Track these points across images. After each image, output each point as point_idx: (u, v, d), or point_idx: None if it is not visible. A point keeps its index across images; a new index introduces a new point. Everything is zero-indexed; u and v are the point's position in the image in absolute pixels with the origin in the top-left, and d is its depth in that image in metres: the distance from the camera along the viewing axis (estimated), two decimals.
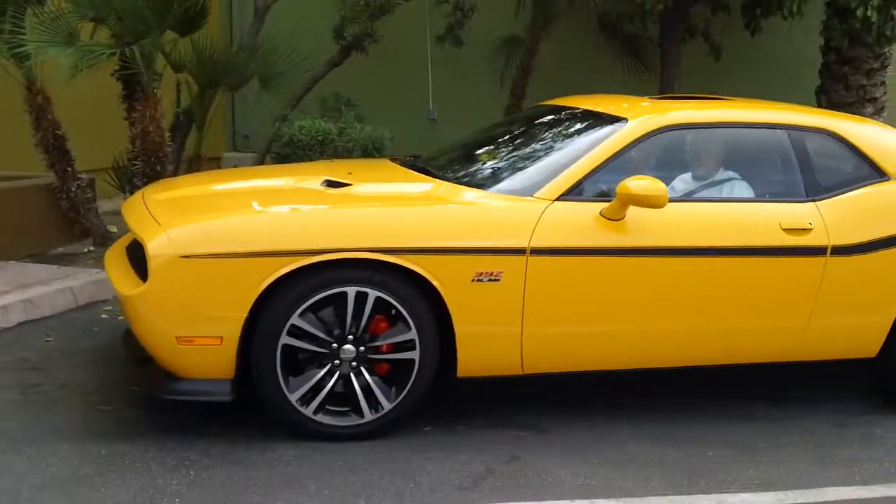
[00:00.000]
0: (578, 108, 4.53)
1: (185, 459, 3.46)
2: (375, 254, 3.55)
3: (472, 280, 3.68)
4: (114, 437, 3.61)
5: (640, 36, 9.21)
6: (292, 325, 3.55)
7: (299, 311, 3.54)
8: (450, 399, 3.97)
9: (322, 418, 3.65)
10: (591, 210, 3.84)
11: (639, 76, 9.21)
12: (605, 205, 3.84)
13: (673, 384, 4.39)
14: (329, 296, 3.56)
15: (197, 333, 3.49)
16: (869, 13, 6.51)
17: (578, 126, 4.36)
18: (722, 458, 3.80)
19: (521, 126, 4.86)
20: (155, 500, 3.14)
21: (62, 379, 4.22)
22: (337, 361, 3.64)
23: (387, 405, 3.69)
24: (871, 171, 4.37)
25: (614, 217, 3.83)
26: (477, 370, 3.83)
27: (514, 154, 4.41)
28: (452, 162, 4.51)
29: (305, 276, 3.51)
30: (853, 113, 7.63)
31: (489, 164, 4.36)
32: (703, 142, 4.27)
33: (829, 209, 4.18)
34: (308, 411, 3.62)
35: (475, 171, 4.32)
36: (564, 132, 4.41)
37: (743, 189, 4.28)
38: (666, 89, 8.48)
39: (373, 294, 3.59)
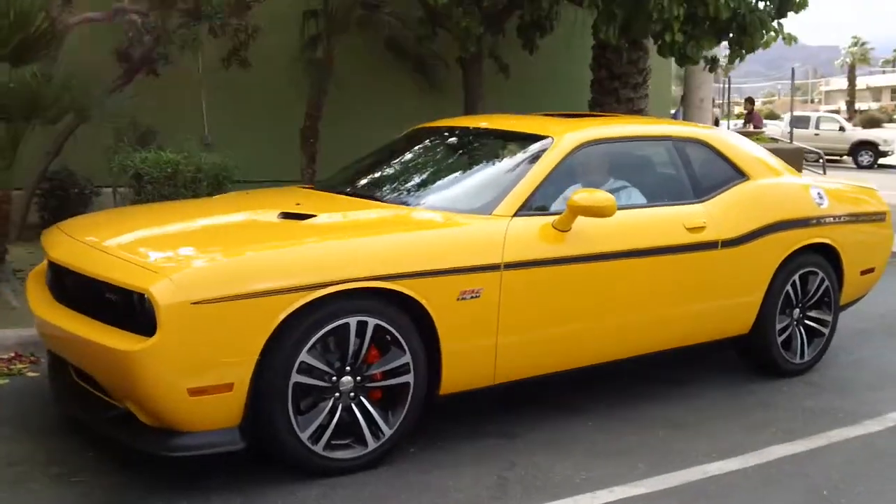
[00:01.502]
0: (498, 129, 4.82)
1: None
2: (377, 282, 3.59)
3: (458, 299, 3.83)
4: None
5: (428, 56, 9.62)
6: (301, 363, 3.48)
7: (307, 346, 3.48)
8: (428, 418, 4.06)
9: (330, 454, 3.61)
10: (544, 223, 4.14)
11: (431, 95, 9.65)
12: (556, 217, 4.16)
13: (589, 379, 4.75)
14: (331, 329, 3.54)
15: (209, 383, 3.31)
16: (677, 37, 7.43)
17: (508, 145, 4.64)
18: (672, 436, 4.27)
19: (440, 147, 5.02)
20: None
21: (6, 456, 3.74)
22: (337, 394, 3.62)
23: (387, 431, 3.73)
24: (735, 173, 5.09)
25: (564, 228, 4.15)
26: (458, 386, 3.97)
27: (451, 175, 4.60)
28: (385, 185, 4.61)
29: (311, 310, 3.46)
30: None
31: (433, 185, 4.51)
32: (613, 154, 4.73)
33: (713, 208, 4.82)
34: (318, 448, 3.56)
35: (422, 193, 4.43)
36: (496, 151, 4.66)
37: (635, 195, 4.80)
38: (471, 107, 8.99)
39: (372, 322, 3.62)
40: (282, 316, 3.39)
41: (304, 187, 4.97)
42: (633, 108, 9.07)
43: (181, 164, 6.07)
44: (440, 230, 3.96)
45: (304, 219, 3.95)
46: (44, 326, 3.84)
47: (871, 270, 5.77)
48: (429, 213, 4.13)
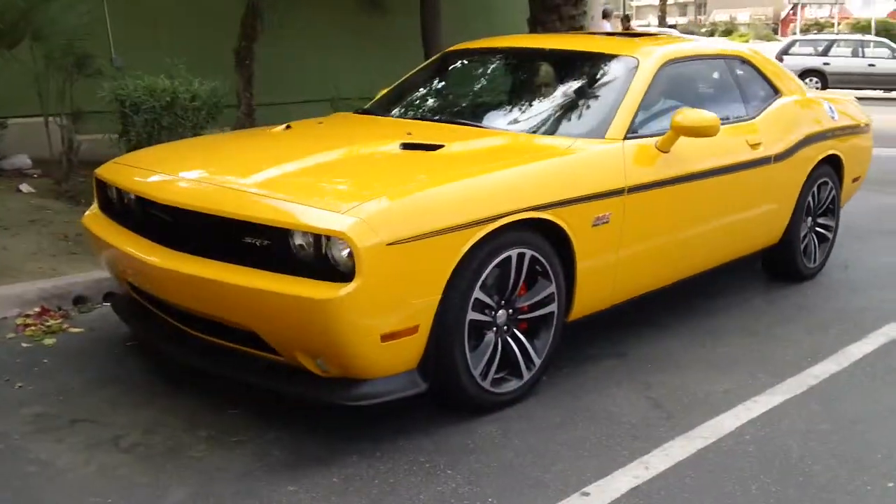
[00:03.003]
0: (575, 50, 4.71)
1: (416, 462, 3.15)
2: (534, 212, 3.50)
3: (592, 225, 3.80)
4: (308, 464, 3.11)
5: None
6: (475, 299, 3.37)
7: (480, 282, 3.36)
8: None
9: (496, 388, 3.54)
10: (648, 144, 4.15)
11: (375, 13, 9.29)
12: (658, 139, 4.17)
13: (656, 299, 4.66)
14: (498, 262, 3.43)
15: (400, 326, 3.14)
16: None
17: (590, 67, 4.55)
18: (759, 343, 4.46)
19: (517, 69, 4.85)
20: None
21: (134, 424, 3.39)
22: (495, 329, 3.53)
23: (537, 361, 3.69)
24: (772, 90, 5.27)
25: (666, 149, 4.18)
26: (584, 311, 3.97)
27: (547, 98, 4.48)
28: (481, 111, 4.44)
29: (483, 245, 3.34)
30: None
31: (535, 110, 4.37)
32: (684, 74, 4.76)
33: (763, 125, 4.99)
34: (486, 384, 3.49)
35: (527, 118, 4.29)
36: (580, 73, 4.56)
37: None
38: (430, 32, 8.74)
39: (528, 254, 3.54)
40: (463, 252, 3.25)
41: (356, 113, 4.70)
42: (575, 26, 9.08)
43: (179, 91, 5.54)
44: (573, 156, 3.86)
45: (433, 149, 3.75)
46: (157, 277, 3.47)
47: (857, 178, 6.19)
48: (550, 139, 4.02)
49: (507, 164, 3.64)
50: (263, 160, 3.81)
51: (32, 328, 4.37)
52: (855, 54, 21.67)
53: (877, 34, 29.04)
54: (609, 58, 4.53)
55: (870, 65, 20.92)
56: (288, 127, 4.44)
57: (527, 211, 3.46)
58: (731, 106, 4.93)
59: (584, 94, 4.41)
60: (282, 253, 3.17)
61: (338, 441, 3.27)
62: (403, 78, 5.19)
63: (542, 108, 4.38)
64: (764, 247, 5.26)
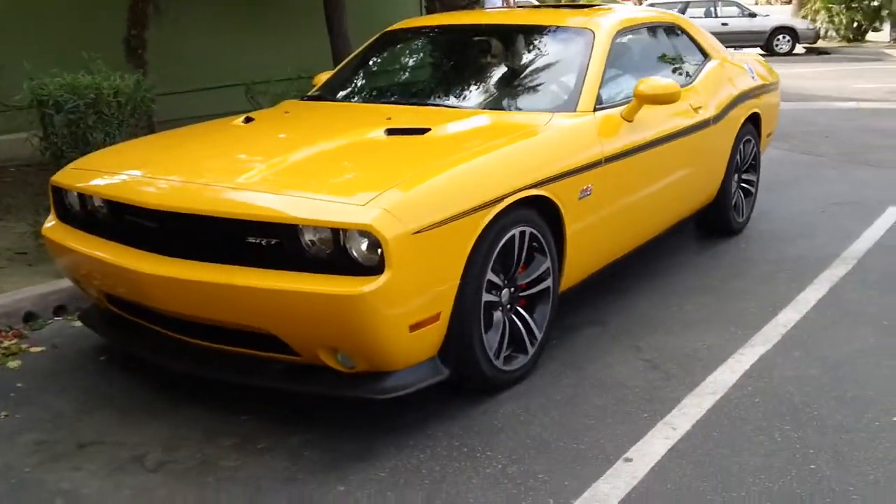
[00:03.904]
0: (528, 24, 4.74)
1: (452, 447, 3.15)
2: (532, 189, 3.54)
3: (578, 198, 3.87)
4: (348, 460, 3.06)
5: None
6: (488, 281, 3.38)
7: (490, 263, 3.38)
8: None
9: (507, 366, 3.57)
10: (613, 114, 4.24)
11: None
12: (622, 108, 4.28)
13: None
14: (503, 242, 3.45)
15: (425, 315, 3.12)
16: None
17: (546, 40, 4.60)
18: (718, 301, 4.68)
19: (473, 46, 4.82)
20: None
21: (148, 441, 3.23)
22: (501, 308, 3.56)
23: (539, 336, 3.75)
24: (701, 55, 5.49)
25: (631, 118, 4.29)
26: (570, 283, 4.05)
27: (511, 74, 4.49)
28: (448, 91, 4.41)
29: (492, 227, 3.35)
30: None
31: (502, 87, 4.38)
32: (631, 42, 4.88)
33: (700, 89, 5.19)
34: (499, 363, 3.52)
35: (497, 95, 4.31)
36: (537, 47, 4.60)
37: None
38: (334, 13, 8.57)
39: (528, 231, 3.58)
40: (477, 234, 3.26)
41: (306, 100, 4.61)
42: (474, 4, 9.10)
43: (102, 87, 5.23)
44: (554, 131, 3.90)
45: (420, 133, 3.71)
46: (148, 286, 3.29)
47: (770, 134, 6.54)
48: (527, 115, 4.05)
49: (502, 144, 3.65)
50: (247, 156, 3.67)
51: None
52: (708, 14, 22.69)
53: None
54: (564, 30, 4.61)
55: (723, 24, 21.96)
56: (248, 119, 4.28)
57: (527, 189, 3.50)
58: (674, 71, 5.09)
59: (546, 68, 4.47)
60: (291, 250, 3.08)
61: (367, 436, 3.23)
62: (346, 60, 5.09)
63: (510, 84, 4.41)
64: (702, 205, 5.49)
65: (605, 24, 4.58)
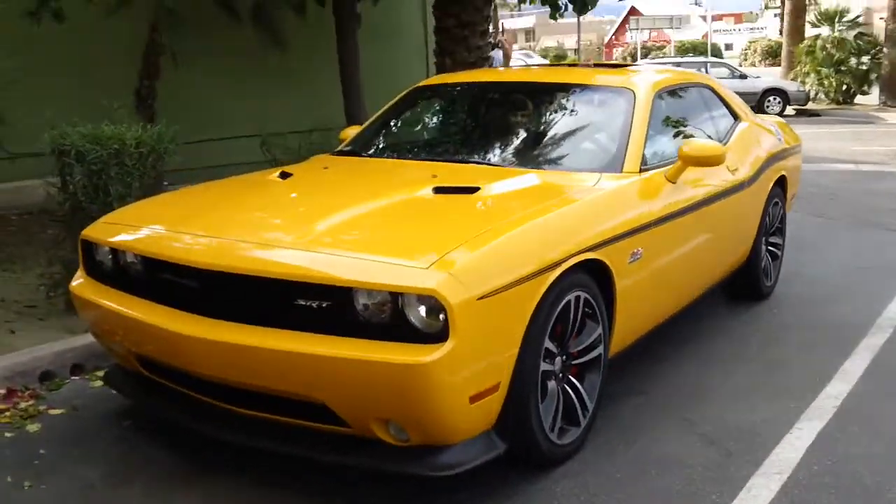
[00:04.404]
0: (571, 83, 4.66)
1: None
2: (588, 253, 3.40)
3: (629, 262, 3.74)
4: None
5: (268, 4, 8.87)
6: (545, 349, 3.22)
7: (548, 330, 3.23)
8: None
9: (560, 440, 3.39)
10: (657, 175, 4.14)
11: (275, 53, 8.98)
12: (666, 169, 4.18)
13: None
14: (560, 308, 3.30)
15: (485, 385, 2.95)
16: None
17: (585, 99, 4.52)
18: (766, 368, 4.54)
19: (508, 104, 4.71)
20: None
21: None
22: (555, 378, 3.40)
23: (591, 406, 3.59)
24: (732, 116, 5.43)
25: (675, 179, 4.19)
26: (617, 349, 3.89)
27: (552, 133, 4.40)
28: (488, 149, 4.29)
29: (551, 291, 3.20)
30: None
31: (545, 146, 4.28)
32: (669, 103, 4.80)
33: (733, 150, 5.10)
34: (554, 437, 3.34)
35: (540, 155, 4.20)
36: (576, 106, 4.51)
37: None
38: (348, 56, 8.51)
39: (582, 296, 3.43)
40: (537, 299, 3.11)
41: (337, 155, 4.52)
42: (482, 56, 9.12)
43: (126, 138, 5.08)
44: (605, 193, 3.78)
45: (471, 192, 3.58)
46: (192, 350, 3.11)
47: (794, 195, 6.48)
48: (575, 175, 3.93)
49: (556, 205, 3.52)
50: (291, 213, 3.53)
51: (6, 414, 3.85)
52: None
53: (702, 54, 30.95)
54: (604, 90, 4.52)
55: None
56: (285, 175, 4.13)
57: (584, 252, 3.37)
58: (707, 132, 5.02)
59: (589, 127, 4.37)
60: (343, 314, 2.92)
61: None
62: (376, 115, 4.98)
63: (552, 143, 4.30)
64: (734, 268, 5.38)
65: (644, 83, 4.51)
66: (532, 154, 4.23)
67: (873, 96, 21.49)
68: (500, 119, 4.64)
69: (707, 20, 45.04)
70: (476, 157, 4.28)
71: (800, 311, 5.55)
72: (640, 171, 4.05)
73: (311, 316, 2.96)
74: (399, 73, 10.30)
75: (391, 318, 2.87)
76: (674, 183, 4.17)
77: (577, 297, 3.39)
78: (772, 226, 5.80)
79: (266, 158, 6.87)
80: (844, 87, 21.68)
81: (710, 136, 4.98)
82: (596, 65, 5.23)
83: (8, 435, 3.64)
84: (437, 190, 3.61)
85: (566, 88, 4.65)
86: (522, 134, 4.48)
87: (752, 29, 56.23)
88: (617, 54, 50.74)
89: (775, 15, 49.57)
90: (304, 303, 2.97)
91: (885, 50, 20.71)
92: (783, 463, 3.46)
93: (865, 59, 21.31)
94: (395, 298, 2.85)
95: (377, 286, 2.85)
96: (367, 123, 4.96)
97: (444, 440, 2.95)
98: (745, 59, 39.22)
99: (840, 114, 20.79)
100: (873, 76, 21.39)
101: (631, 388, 4.21)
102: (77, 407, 3.97)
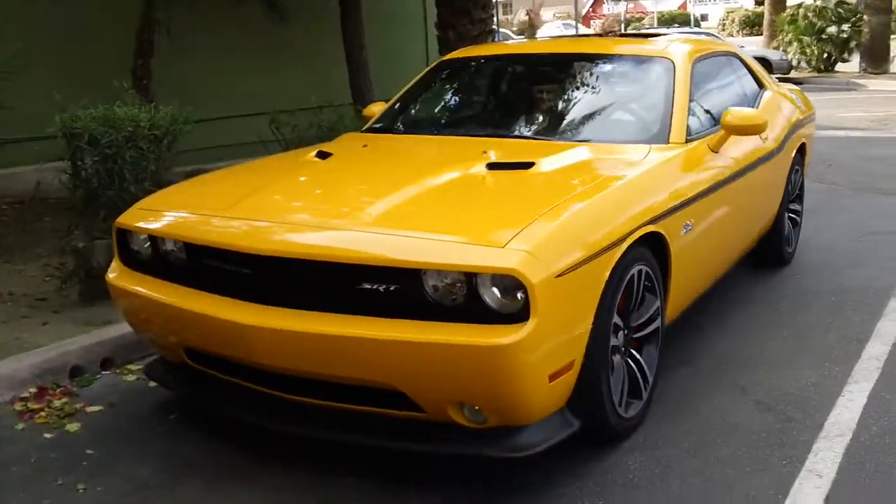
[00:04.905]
0: (609, 53, 4.56)
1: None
2: (650, 226, 3.33)
3: (682, 234, 3.67)
4: None
5: None
6: (614, 324, 3.15)
7: (616, 304, 3.15)
8: None
9: (627, 413, 3.33)
10: (703, 145, 4.07)
11: (277, 25, 8.77)
12: (709, 138, 4.11)
13: None
14: (626, 282, 3.22)
15: (562, 363, 2.87)
16: None
17: (624, 70, 4.43)
18: (800, 333, 4.51)
19: (555, 76, 4.60)
20: None
21: None
22: (619, 352, 3.33)
23: (651, 379, 3.53)
24: (758, 85, 5.36)
25: (718, 149, 4.12)
26: (668, 322, 3.83)
27: (599, 104, 4.30)
28: (534, 122, 4.20)
29: (618, 265, 3.12)
30: (479, 43, 8.59)
31: (594, 118, 4.18)
32: (704, 72, 4.70)
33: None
34: (622, 411, 3.27)
35: (590, 127, 4.11)
36: (625, 77, 4.43)
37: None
38: (353, 31, 8.36)
39: (644, 270, 3.36)
40: (607, 274, 3.03)
41: (368, 133, 4.42)
42: (486, 29, 8.97)
43: (140, 120, 4.91)
44: (656, 165, 3.69)
45: (526, 167, 3.48)
46: (255, 339, 2.98)
47: (809, 162, 6.44)
48: (626, 147, 3.83)
49: (615, 179, 3.43)
50: (345, 194, 3.41)
51: (41, 414, 3.71)
52: None
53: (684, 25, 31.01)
54: (644, 60, 4.44)
55: None
56: (323, 154, 4.00)
57: (646, 225, 3.29)
58: (738, 101, 4.95)
59: (631, 98, 4.30)
60: (412, 297, 2.82)
61: (500, 495, 2.97)
62: (404, 90, 4.84)
63: (598, 115, 4.21)
64: (761, 235, 5.33)
65: (681, 52, 4.43)
66: (578, 127, 4.14)
67: (853, 63, 21.57)
68: (540, 92, 4.52)
69: None
70: (522, 131, 4.18)
71: (822, 277, 5.52)
72: (686, 141, 3.97)
73: (376, 299, 2.85)
74: (398, 48, 10.16)
75: (464, 299, 2.77)
76: (716, 152, 4.10)
77: (640, 271, 3.32)
78: (793, 193, 5.76)
79: (276, 138, 6.68)
80: (826, 55, 21.72)
81: (741, 104, 4.91)
82: (621, 35, 5.12)
83: (48, 436, 3.50)
84: (491, 166, 3.51)
85: (604, 58, 4.56)
86: (565, 106, 4.37)
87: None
88: (595, 26, 50.62)
89: None
90: (368, 286, 2.86)
91: (864, 17, 20.75)
92: (842, 425, 3.43)
93: (846, 26, 21.34)
94: (469, 279, 2.75)
95: (452, 267, 2.74)
96: (394, 99, 4.82)
97: (523, 420, 2.88)
98: (724, 30, 39.18)
99: (822, 81, 20.83)
100: (853, 44, 21.45)
101: (677, 359, 4.15)
102: (114, 403, 3.84)
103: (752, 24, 39.52)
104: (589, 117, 4.22)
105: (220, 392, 3.35)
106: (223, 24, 8.88)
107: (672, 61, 4.30)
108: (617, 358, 3.28)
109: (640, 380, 3.42)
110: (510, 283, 2.71)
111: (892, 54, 20.51)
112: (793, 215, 5.85)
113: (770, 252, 5.59)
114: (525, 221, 2.87)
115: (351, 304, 2.88)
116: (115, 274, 3.54)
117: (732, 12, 44.34)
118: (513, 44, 5.20)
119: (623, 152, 3.78)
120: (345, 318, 2.87)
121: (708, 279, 4.27)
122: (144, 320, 3.50)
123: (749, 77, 5.30)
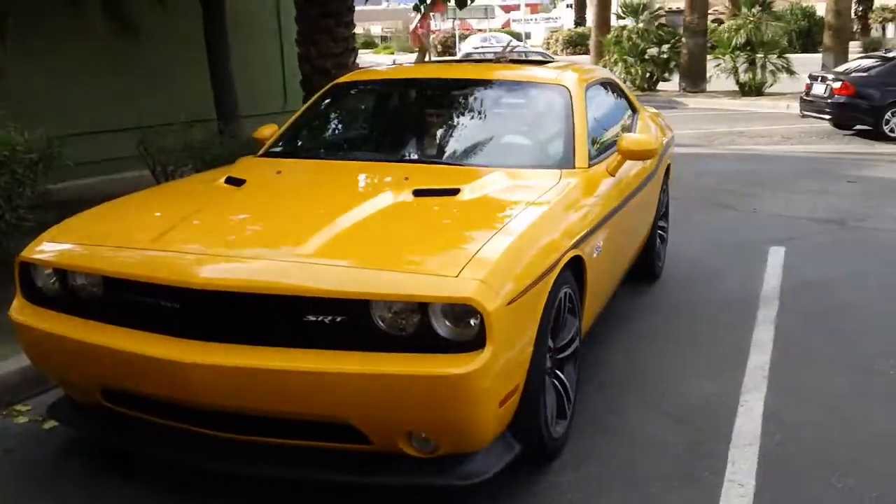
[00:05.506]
0: (507, 80, 4.66)
1: None
2: (574, 250, 3.46)
3: (594, 256, 3.83)
4: None
5: None
6: (549, 346, 3.24)
7: (550, 327, 3.24)
8: None
9: (555, 433, 3.43)
10: (603, 169, 4.26)
11: (126, 40, 8.38)
12: (607, 163, 4.31)
13: None
14: (557, 304, 3.33)
15: (510, 388, 2.93)
16: None
17: (531, 96, 4.55)
18: (678, 387, 4.80)
19: (454, 101, 4.62)
20: None
21: None
22: (548, 373, 3.43)
23: (573, 398, 3.65)
24: (631, 109, 5.66)
25: (615, 172, 4.33)
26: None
27: (501, 130, 4.39)
28: (438, 147, 4.21)
29: (553, 290, 3.22)
30: (341, 61, 8.60)
31: (498, 143, 4.25)
32: (590, 98, 4.90)
33: None
34: (553, 431, 3.37)
35: (495, 152, 4.18)
36: (524, 102, 4.52)
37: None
38: (216, 42, 8.07)
39: (568, 292, 3.48)
40: (545, 299, 3.12)
41: (266, 158, 4.33)
42: (348, 47, 8.92)
43: (17, 143, 4.57)
44: (573, 190, 3.81)
45: (452, 194, 3.52)
46: (192, 377, 2.85)
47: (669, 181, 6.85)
48: (538, 172, 3.93)
49: (541, 204, 3.52)
50: (274, 224, 3.31)
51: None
52: None
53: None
54: (541, 86, 4.57)
55: None
56: (235, 181, 3.85)
57: (571, 249, 3.41)
58: (618, 125, 5.21)
59: (535, 123, 4.41)
60: (359, 328, 2.79)
61: None
62: (298, 113, 4.76)
63: (507, 139, 4.31)
64: (639, 251, 5.62)
65: (573, 79, 4.61)
66: (489, 152, 4.22)
67: (674, 82, 23.04)
68: (441, 116, 4.58)
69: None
70: (436, 156, 4.20)
71: (692, 290, 5.89)
72: (588, 166, 4.13)
73: (322, 331, 2.81)
74: (257, 62, 9.93)
75: (415, 328, 2.78)
76: (614, 176, 4.30)
77: (566, 294, 3.43)
78: (661, 211, 6.11)
79: (145, 162, 6.39)
80: (649, 74, 23.09)
81: (623, 129, 5.17)
82: (511, 61, 5.27)
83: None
84: (418, 192, 3.52)
85: (504, 84, 4.68)
86: (474, 131, 4.44)
87: (547, 19, 58.78)
88: (429, 40, 51.35)
89: (568, 6, 52.07)
90: (313, 318, 2.81)
91: (683, 39, 22.22)
92: (749, 435, 3.68)
93: (665, 48, 22.80)
94: (421, 308, 2.76)
95: (406, 297, 2.74)
96: (290, 122, 4.73)
97: (474, 446, 2.91)
98: (549, 48, 40.93)
99: (646, 100, 21.88)
100: (673, 64, 22.92)
101: (581, 377, 4.29)
102: (9, 449, 3.54)
103: (575, 44, 41.67)
104: (497, 142, 4.31)
105: (142, 433, 3.17)
106: (84, 39, 8.41)
107: (567, 88, 4.48)
108: (548, 379, 3.37)
109: (565, 399, 3.53)
110: (463, 312, 2.74)
111: (708, 74, 22.01)
112: (661, 232, 6.20)
113: (644, 267, 5.89)
114: (471, 250, 2.91)
115: (295, 337, 2.82)
116: (19, 310, 3.28)
117: (557, 31, 46.44)
118: (409, 67, 5.21)
119: (537, 178, 3.89)
120: (290, 351, 2.80)
121: (608, 297, 4.46)
122: (54, 359, 3.27)
123: (625, 101, 5.59)
